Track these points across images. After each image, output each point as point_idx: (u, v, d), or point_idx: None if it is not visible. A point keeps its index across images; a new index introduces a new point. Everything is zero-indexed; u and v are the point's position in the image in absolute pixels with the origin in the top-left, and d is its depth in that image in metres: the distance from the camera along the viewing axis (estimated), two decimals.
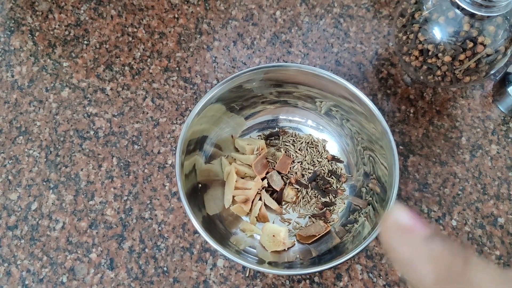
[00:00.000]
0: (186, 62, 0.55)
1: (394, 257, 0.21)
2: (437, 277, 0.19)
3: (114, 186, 0.49)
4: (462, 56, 0.47)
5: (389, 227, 0.21)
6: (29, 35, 0.56)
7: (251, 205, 0.48)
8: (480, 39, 0.46)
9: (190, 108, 0.53)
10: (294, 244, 0.48)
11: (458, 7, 0.45)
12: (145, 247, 0.47)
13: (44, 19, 0.56)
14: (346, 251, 0.43)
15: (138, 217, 0.48)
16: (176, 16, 0.57)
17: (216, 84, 0.45)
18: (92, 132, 0.51)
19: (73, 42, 0.55)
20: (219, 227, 0.46)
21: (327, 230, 0.47)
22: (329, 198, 0.50)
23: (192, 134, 0.45)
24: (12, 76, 0.54)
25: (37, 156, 0.50)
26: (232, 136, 0.51)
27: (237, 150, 0.51)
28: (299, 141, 0.52)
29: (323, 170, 0.51)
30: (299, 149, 0.52)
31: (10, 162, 0.50)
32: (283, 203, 0.50)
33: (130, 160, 0.50)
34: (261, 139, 0.52)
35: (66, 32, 0.56)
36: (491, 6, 0.44)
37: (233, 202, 0.48)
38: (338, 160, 0.51)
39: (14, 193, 0.49)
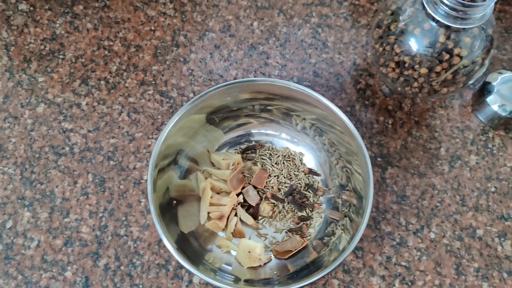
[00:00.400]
0: (163, 75, 0.54)
1: None
2: None
3: (90, 203, 0.49)
4: (438, 68, 0.46)
5: None
6: (4, 50, 0.55)
7: (227, 221, 0.48)
8: (456, 50, 0.45)
9: (166, 122, 0.52)
10: (271, 259, 0.47)
11: (434, 19, 0.45)
12: (121, 265, 0.47)
13: (19, 34, 0.56)
14: (324, 265, 0.43)
15: (114, 234, 0.48)
16: (153, 28, 0.57)
17: (192, 98, 0.46)
18: (67, 148, 0.51)
19: (49, 56, 0.55)
20: (194, 244, 0.46)
21: (303, 245, 0.47)
22: (306, 212, 0.49)
23: (167, 148, 0.45)
24: None
25: (12, 173, 0.50)
26: (208, 150, 0.51)
27: (213, 164, 0.51)
28: (276, 154, 0.51)
29: (300, 184, 0.50)
30: (275, 163, 0.51)
31: None
32: (260, 218, 0.49)
33: (105, 176, 0.50)
34: (238, 153, 0.51)
35: (42, 47, 0.55)
36: (466, 18, 0.43)
37: (209, 218, 0.48)
38: (315, 173, 0.51)
39: None
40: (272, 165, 0.51)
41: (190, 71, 0.55)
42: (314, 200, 0.50)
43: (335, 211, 0.48)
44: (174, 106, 0.53)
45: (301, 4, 0.59)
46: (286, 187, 0.50)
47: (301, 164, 0.51)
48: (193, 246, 0.45)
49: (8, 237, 0.48)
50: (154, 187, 0.42)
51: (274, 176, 0.50)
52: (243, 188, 0.49)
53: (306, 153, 0.52)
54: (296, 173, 0.51)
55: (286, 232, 0.49)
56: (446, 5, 0.43)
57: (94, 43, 0.56)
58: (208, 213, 0.48)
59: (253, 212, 0.49)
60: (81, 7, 0.57)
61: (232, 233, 0.48)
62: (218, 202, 0.48)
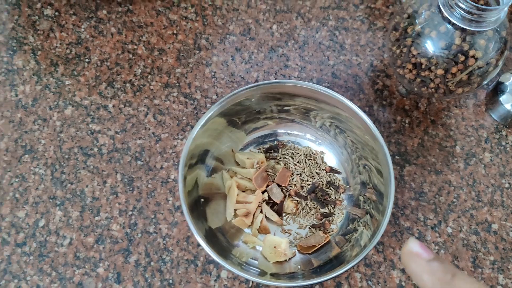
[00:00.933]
0: (186, 77, 0.56)
1: (408, 271, 0.31)
2: (432, 285, 0.29)
3: (119, 201, 0.51)
4: (454, 69, 0.48)
5: (405, 253, 0.31)
6: (32, 54, 0.57)
7: (253, 217, 0.50)
8: (471, 52, 0.47)
9: (191, 123, 0.54)
10: (295, 254, 0.49)
11: (449, 22, 0.46)
12: (151, 261, 0.48)
13: (45, 38, 0.58)
14: (346, 260, 0.45)
15: (143, 231, 0.50)
16: (175, 32, 0.58)
17: (216, 99, 0.47)
18: (96, 149, 0.53)
19: (75, 60, 0.57)
20: (222, 239, 0.48)
21: (326, 240, 0.49)
22: (328, 209, 0.51)
23: (195, 148, 0.47)
24: (16, 95, 0.55)
25: (42, 174, 0.52)
26: (232, 150, 0.53)
27: (237, 164, 0.53)
28: (298, 153, 0.53)
29: (322, 181, 0.52)
30: (298, 162, 0.53)
31: (16, 180, 0.51)
32: (284, 214, 0.51)
33: (133, 176, 0.52)
34: (261, 152, 0.53)
35: (68, 51, 0.57)
36: (481, 21, 0.45)
37: (235, 215, 0.50)
38: (336, 172, 0.53)
39: (21, 210, 0.50)
40: (295, 164, 0.53)
41: (212, 73, 0.57)
42: (335, 197, 0.52)
43: (357, 207, 0.50)
44: (198, 108, 0.55)
45: (318, 8, 0.61)
46: (308, 185, 0.52)
47: (322, 162, 0.53)
48: (220, 242, 0.47)
49: (41, 235, 0.49)
50: (184, 183, 0.45)
51: (297, 175, 0.52)
52: (267, 186, 0.51)
53: (327, 151, 0.54)
54: (317, 171, 0.53)
55: (309, 228, 0.51)
56: (462, 9, 0.45)
57: (119, 47, 0.57)
58: (235, 210, 0.50)
59: (278, 209, 0.51)
60: (104, 11, 0.59)
61: (257, 229, 0.50)
62: (244, 199, 0.50)
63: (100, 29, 0.58)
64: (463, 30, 0.46)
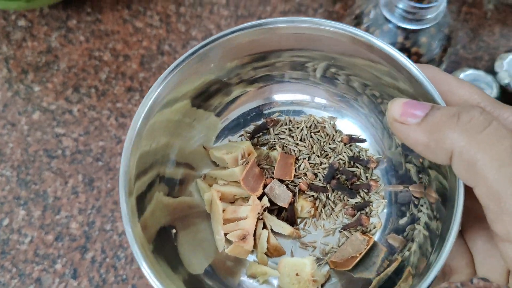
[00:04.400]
0: (148, 82, 0.58)
1: (406, 143, 0.25)
2: (428, 143, 0.23)
3: (79, 201, 0.53)
4: None
5: (390, 123, 0.25)
6: (4, 63, 0.60)
7: (254, 238, 0.34)
8: (414, 49, 0.48)
9: None
10: (329, 276, 0.34)
11: (391, 21, 0.48)
12: (106, 257, 0.50)
13: (18, 47, 0.61)
14: (415, 272, 0.29)
15: (100, 229, 0.51)
16: (140, 39, 0.61)
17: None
18: (60, 151, 0.55)
19: (44, 68, 0.59)
20: (213, 286, 0.33)
21: (370, 244, 0.33)
22: (361, 196, 0.36)
23: (142, 158, 0.31)
24: None
25: (9, 175, 0.54)
26: (203, 146, 0.38)
27: (215, 164, 0.38)
28: (298, 127, 0.38)
29: (342, 159, 0.37)
30: (300, 139, 0.38)
31: None
32: (299, 221, 0.36)
33: (94, 176, 0.54)
34: (245, 140, 0.38)
35: (38, 59, 0.60)
36: (420, 19, 0.46)
37: (227, 241, 0.34)
38: (358, 140, 0.37)
39: None
40: (297, 144, 0.38)
41: None
42: (367, 176, 0.36)
43: (403, 184, 0.34)
44: None
45: (279, 12, 0.62)
46: (324, 169, 0.37)
47: (336, 132, 0.37)
48: None
49: (5, 233, 0.52)
50: (133, 220, 0.29)
51: (303, 159, 0.37)
52: (265, 186, 0.36)
53: (338, 115, 0.38)
54: (332, 146, 0.37)
55: (340, 231, 0.36)
56: (400, 9, 0.46)
57: (86, 54, 0.60)
58: (225, 234, 0.34)
59: (288, 215, 0.36)
60: (74, 21, 0.62)
61: (266, 253, 0.35)
62: (235, 215, 0.34)
63: (70, 38, 0.61)
64: (404, 28, 0.47)
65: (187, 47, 0.60)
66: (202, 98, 0.36)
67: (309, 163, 0.37)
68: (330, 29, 0.31)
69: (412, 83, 0.29)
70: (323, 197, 0.36)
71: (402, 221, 0.34)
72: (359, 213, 0.36)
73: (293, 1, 0.63)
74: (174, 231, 0.33)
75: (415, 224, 0.31)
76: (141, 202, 0.30)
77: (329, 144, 0.38)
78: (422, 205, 0.31)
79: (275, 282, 0.34)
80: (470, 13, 0.61)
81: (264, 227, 0.35)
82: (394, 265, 0.31)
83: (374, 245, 0.34)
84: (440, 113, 0.23)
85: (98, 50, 0.60)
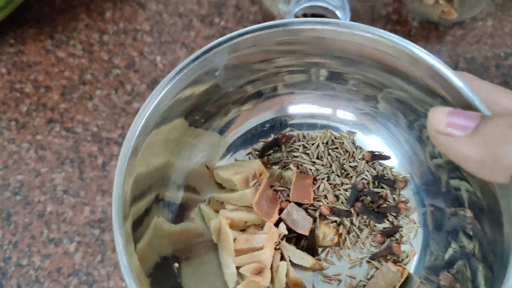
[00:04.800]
0: (69, 112, 0.58)
1: (454, 159, 0.21)
2: (483, 160, 0.20)
3: None
4: None
5: (432, 136, 0.21)
6: None
7: (271, 272, 0.30)
8: None
9: (70, 157, 0.56)
10: None
11: None
12: None
13: None
14: None
15: (17, 264, 0.51)
16: (62, 69, 0.61)
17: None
18: None
19: None
20: None
21: (405, 276, 0.29)
22: (389, 220, 0.32)
23: (138, 182, 0.28)
24: None
25: None
26: (207, 166, 0.34)
27: (221, 186, 0.34)
28: (313, 143, 0.34)
29: (365, 179, 0.34)
30: (317, 157, 0.34)
31: None
32: (320, 250, 0.33)
33: (11, 211, 0.53)
34: (254, 158, 0.35)
35: None
36: None
37: (240, 275, 0.30)
38: (381, 157, 0.34)
39: None
40: (313, 162, 0.34)
41: (95, 106, 0.59)
42: (394, 198, 0.33)
43: (441, 203, 0.29)
44: (79, 141, 0.57)
45: (202, 37, 0.63)
46: (345, 190, 0.33)
47: (356, 148, 0.34)
48: None
49: None
50: (129, 252, 0.25)
51: (322, 179, 0.34)
52: (280, 211, 0.32)
53: (356, 128, 0.34)
54: (352, 164, 0.34)
55: (367, 262, 0.32)
56: None
57: (8, 87, 0.60)
58: (237, 268, 0.30)
59: (308, 244, 0.32)
60: None
61: None
62: (249, 245, 0.30)
63: None
64: None
65: (110, 76, 0.60)
66: (201, 121, 0.32)
67: (329, 184, 0.33)
68: (391, 44, 0.29)
69: (449, 91, 0.25)
70: (347, 222, 0.32)
71: (441, 252, 0.29)
72: (388, 239, 0.32)
73: (218, 25, 0.64)
74: (176, 265, 0.30)
75: (463, 247, 0.26)
76: (138, 228, 0.27)
77: (349, 162, 0.34)
78: (468, 229, 0.26)
79: None
80: (395, 31, 0.62)
81: (282, 258, 0.31)
82: None
83: (409, 277, 0.30)
84: (496, 124, 0.19)
85: (20, 82, 0.60)
